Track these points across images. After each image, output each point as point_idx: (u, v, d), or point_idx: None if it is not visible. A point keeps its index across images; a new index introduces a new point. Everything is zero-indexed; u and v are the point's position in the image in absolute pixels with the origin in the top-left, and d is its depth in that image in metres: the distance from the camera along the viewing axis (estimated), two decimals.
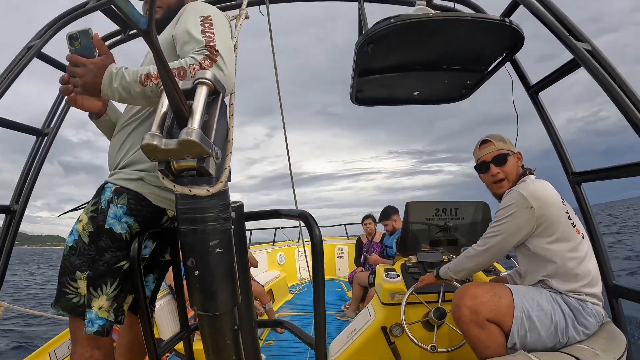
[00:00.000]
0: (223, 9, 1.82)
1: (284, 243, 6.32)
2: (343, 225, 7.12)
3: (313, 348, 0.97)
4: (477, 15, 1.62)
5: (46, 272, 28.40)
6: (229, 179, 0.81)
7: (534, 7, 1.58)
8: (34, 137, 2.13)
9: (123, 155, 1.14)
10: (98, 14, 2.14)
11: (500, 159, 1.63)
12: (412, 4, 1.75)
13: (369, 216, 4.67)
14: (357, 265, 4.62)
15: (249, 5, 1.85)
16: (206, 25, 1.01)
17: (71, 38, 0.99)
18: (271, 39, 1.76)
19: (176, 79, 0.66)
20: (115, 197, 1.07)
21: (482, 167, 1.69)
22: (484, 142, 1.70)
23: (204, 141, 0.64)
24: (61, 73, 1.73)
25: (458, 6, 2.09)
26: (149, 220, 1.12)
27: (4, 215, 1.94)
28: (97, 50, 0.99)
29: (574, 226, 1.46)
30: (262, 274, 4.95)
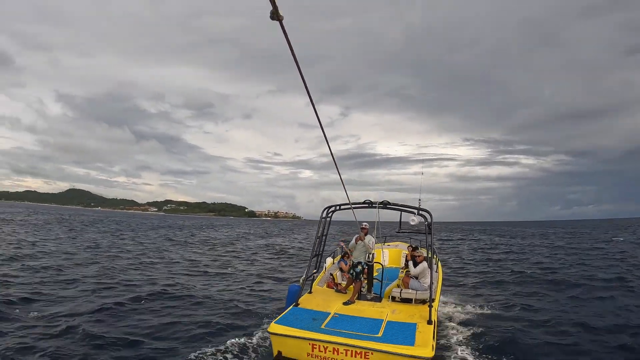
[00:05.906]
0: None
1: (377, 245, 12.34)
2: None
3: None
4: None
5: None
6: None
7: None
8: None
9: (360, 259, 7.41)
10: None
11: (416, 256, 7.78)
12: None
13: (409, 246, 10.71)
14: (406, 266, 10.33)
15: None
16: (372, 243, 7.41)
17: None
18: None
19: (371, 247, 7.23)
20: (364, 264, 7.53)
21: (412, 258, 7.75)
22: (414, 248, 8.73)
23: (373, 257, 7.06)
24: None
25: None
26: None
27: None
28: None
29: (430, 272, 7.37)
30: None
